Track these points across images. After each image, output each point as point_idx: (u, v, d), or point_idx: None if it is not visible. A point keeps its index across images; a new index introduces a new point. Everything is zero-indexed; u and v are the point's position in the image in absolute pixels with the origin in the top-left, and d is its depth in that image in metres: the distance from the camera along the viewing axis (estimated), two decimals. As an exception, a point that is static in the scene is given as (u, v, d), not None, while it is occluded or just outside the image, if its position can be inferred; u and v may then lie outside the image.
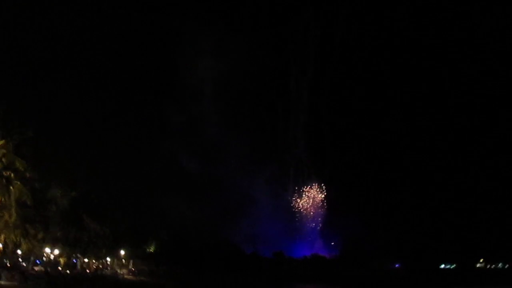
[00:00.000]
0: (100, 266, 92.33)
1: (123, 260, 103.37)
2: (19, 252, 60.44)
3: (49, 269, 63.73)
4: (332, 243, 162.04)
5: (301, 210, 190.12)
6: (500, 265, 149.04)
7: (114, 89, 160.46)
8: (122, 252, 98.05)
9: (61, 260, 74.45)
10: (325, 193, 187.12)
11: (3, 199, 46.60)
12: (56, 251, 69.01)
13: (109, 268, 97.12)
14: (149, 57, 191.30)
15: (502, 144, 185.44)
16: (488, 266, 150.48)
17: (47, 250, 66.09)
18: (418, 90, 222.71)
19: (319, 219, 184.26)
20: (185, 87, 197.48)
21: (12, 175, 47.71)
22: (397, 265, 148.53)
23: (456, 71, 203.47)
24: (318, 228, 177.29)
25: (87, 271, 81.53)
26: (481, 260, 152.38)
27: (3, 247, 54.33)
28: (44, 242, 60.66)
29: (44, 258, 70.48)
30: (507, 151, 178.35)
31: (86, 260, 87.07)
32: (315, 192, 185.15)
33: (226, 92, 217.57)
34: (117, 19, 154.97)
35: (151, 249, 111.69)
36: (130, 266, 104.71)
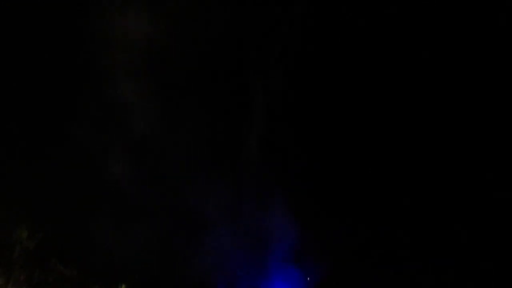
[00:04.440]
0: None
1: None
2: (-21, 298, 57.56)
3: (11, 315, 60.75)
4: (308, 278, 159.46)
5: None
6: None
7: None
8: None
9: (25, 306, 71.09)
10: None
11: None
12: (20, 296, 66.05)
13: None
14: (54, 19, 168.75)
15: (464, 164, 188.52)
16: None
17: (10, 294, 63.27)
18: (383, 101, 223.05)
19: (290, 246, 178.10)
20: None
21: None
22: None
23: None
24: (291, 259, 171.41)
25: (53, 316, 77.96)
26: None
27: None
28: (6, 287, 58.01)
29: (7, 304, 67.29)
30: (471, 174, 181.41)
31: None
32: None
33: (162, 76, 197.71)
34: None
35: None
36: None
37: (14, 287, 58.16)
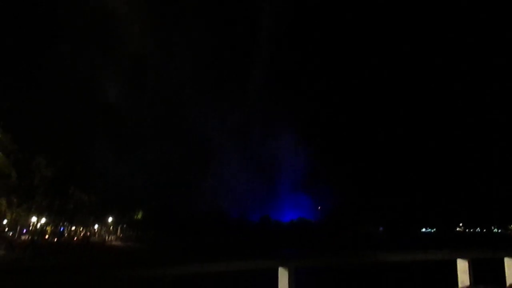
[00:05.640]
0: (88, 233, 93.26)
1: (111, 227, 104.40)
2: (4, 222, 60.74)
3: (35, 238, 64.21)
4: (319, 207, 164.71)
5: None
6: (478, 229, 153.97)
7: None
8: (110, 219, 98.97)
9: (48, 229, 74.96)
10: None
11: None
12: (43, 220, 69.32)
13: (97, 235, 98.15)
14: None
15: (478, 116, 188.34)
16: (467, 230, 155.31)
17: (33, 219, 66.39)
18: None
19: (301, 174, 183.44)
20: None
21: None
22: (380, 228, 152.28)
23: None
24: (302, 187, 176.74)
25: (75, 238, 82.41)
26: (460, 225, 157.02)
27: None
28: (29, 212, 60.86)
29: (31, 227, 70.96)
30: (484, 120, 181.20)
31: (73, 227, 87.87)
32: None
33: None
34: None
35: (139, 216, 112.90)
36: (118, 233, 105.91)
37: (36, 212, 60.73)
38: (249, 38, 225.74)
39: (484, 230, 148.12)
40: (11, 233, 64.61)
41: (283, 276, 2.63)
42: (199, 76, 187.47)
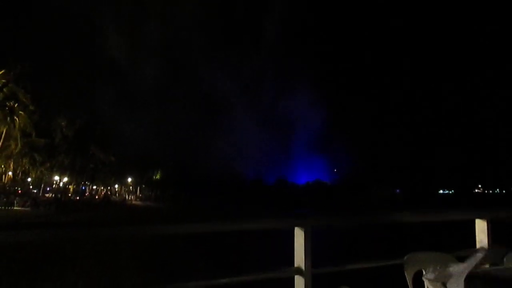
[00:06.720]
0: (109, 193, 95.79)
1: (131, 187, 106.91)
2: (29, 180, 62.71)
3: (59, 195, 66.26)
4: (335, 170, 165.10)
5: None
6: (497, 190, 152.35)
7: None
8: (130, 179, 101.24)
9: (70, 187, 77.15)
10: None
11: (8, 128, 47.51)
12: (65, 179, 71.35)
13: (117, 194, 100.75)
14: None
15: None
16: (486, 192, 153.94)
17: (56, 178, 68.39)
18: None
19: (317, 135, 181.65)
20: None
21: (16, 105, 48.35)
22: (397, 191, 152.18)
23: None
24: (318, 149, 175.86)
25: (96, 197, 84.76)
26: (479, 186, 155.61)
27: (13, 175, 56.23)
28: (52, 171, 62.58)
29: (54, 186, 73.12)
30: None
31: (94, 187, 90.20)
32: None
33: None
34: None
35: (157, 177, 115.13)
36: (138, 193, 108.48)
37: (59, 171, 62.29)
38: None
39: (504, 191, 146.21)
40: (35, 191, 66.82)
41: (299, 237, 2.64)
42: (210, 31, 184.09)
